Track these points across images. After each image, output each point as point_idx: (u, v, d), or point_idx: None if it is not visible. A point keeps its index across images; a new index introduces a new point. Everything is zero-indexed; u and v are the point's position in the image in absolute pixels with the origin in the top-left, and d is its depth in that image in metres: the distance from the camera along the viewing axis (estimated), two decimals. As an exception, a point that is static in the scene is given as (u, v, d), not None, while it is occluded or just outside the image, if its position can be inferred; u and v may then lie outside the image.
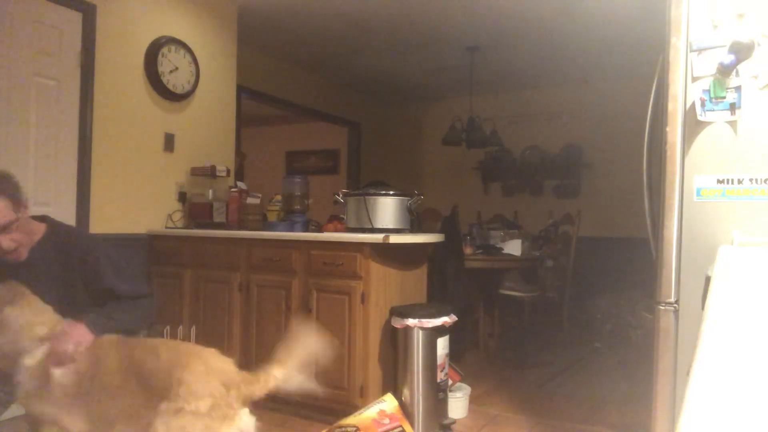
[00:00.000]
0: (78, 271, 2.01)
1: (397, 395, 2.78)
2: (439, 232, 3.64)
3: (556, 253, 4.85)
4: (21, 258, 1.94)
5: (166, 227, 3.66)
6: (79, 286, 2.02)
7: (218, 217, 3.63)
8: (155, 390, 1.53)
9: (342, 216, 3.20)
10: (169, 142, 3.74)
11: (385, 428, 2.60)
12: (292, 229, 3.22)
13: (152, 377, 1.56)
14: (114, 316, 1.93)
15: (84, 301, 2.01)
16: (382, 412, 2.65)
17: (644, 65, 2.69)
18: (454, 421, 2.90)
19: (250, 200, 3.60)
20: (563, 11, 4.32)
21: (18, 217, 1.89)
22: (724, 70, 1.78)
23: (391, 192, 2.99)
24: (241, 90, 4.62)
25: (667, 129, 1.88)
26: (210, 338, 3.30)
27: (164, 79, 3.66)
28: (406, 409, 2.75)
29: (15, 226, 1.88)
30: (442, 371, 2.83)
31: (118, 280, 2.03)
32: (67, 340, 1.74)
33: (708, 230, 1.83)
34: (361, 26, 4.76)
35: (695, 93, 1.84)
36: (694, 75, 1.85)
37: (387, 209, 2.96)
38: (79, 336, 1.77)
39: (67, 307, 1.91)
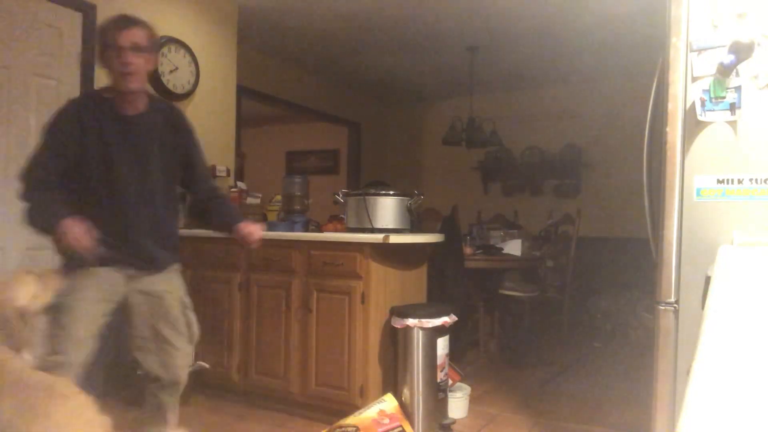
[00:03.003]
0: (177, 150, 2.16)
1: (397, 395, 2.78)
2: (439, 232, 3.64)
3: (556, 253, 4.85)
4: (131, 86, 1.97)
5: (166, 227, 3.65)
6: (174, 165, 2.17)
7: (218, 217, 3.62)
8: None
9: (342, 216, 3.20)
10: (169, 142, 3.73)
11: (385, 428, 2.60)
12: (292, 229, 3.22)
13: None
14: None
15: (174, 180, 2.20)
16: (382, 412, 2.65)
17: (644, 65, 2.69)
18: (454, 421, 2.90)
19: (250, 200, 3.61)
20: (563, 11, 4.32)
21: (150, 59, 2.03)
22: (724, 70, 1.78)
23: (391, 192, 2.99)
24: (241, 90, 4.62)
25: (667, 129, 1.88)
26: (210, 338, 3.30)
27: (164, 79, 3.66)
28: (406, 409, 2.75)
29: (147, 57, 1.98)
30: (442, 371, 2.83)
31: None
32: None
33: (708, 230, 1.83)
34: (361, 26, 4.76)
35: (695, 93, 1.84)
36: (694, 75, 1.85)
37: (387, 209, 2.96)
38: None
39: (163, 175, 2.10)
